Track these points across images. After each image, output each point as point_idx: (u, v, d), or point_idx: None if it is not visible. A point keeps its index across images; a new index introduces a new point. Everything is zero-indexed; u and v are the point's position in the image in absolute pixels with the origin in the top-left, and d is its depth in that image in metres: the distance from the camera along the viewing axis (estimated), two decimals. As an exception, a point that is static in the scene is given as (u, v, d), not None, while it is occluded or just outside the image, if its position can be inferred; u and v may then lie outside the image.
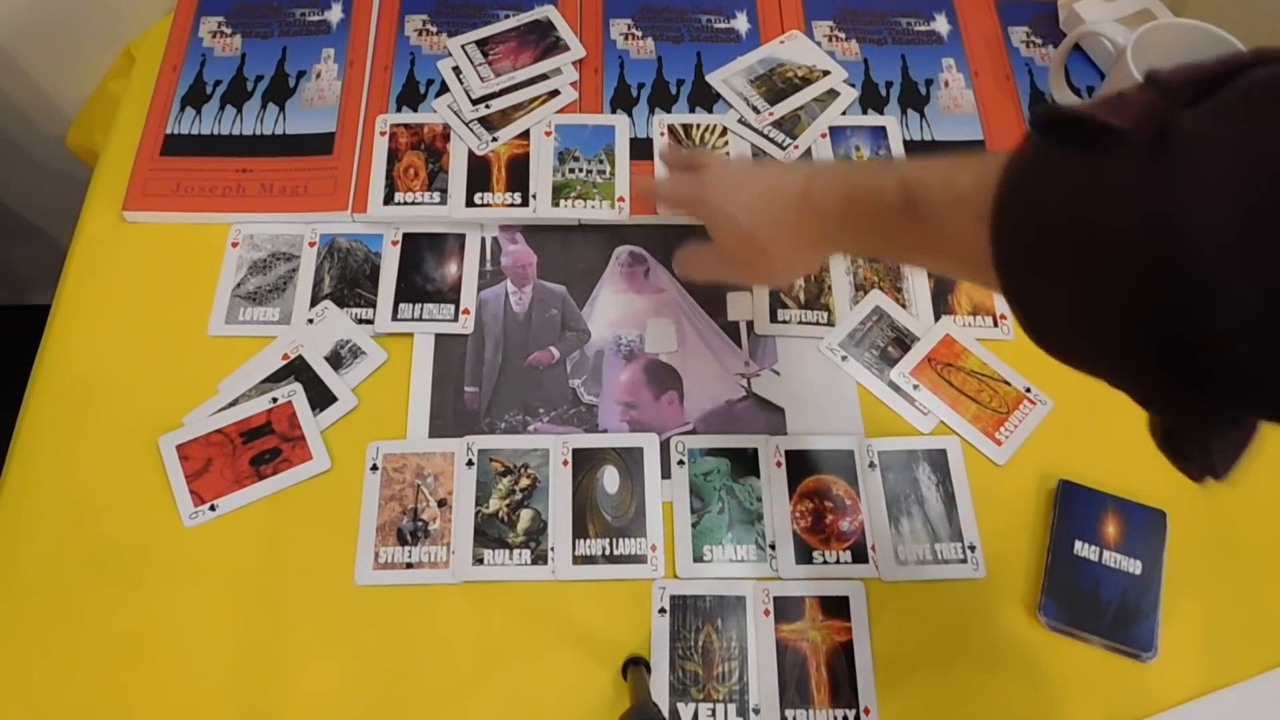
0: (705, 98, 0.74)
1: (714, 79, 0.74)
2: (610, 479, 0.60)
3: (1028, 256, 0.33)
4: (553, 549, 0.58)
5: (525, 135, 0.70)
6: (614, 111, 0.72)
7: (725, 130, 0.72)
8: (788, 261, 0.52)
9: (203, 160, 0.69)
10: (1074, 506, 0.59)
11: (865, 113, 0.74)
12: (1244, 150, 0.26)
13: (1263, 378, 0.27)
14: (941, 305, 0.67)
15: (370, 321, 0.64)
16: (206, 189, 0.68)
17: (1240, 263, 0.26)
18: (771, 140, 0.71)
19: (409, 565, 0.57)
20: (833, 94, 0.74)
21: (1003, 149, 0.35)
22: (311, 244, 0.67)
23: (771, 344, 0.65)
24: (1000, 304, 0.67)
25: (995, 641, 0.57)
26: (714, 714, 0.54)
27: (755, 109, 0.72)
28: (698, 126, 0.72)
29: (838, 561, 0.58)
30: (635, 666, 0.54)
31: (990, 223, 0.34)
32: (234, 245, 0.67)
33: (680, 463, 0.61)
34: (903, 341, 0.65)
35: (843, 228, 0.46)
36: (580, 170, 0.69)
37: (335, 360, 0.63)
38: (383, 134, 0.70)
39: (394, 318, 0.64)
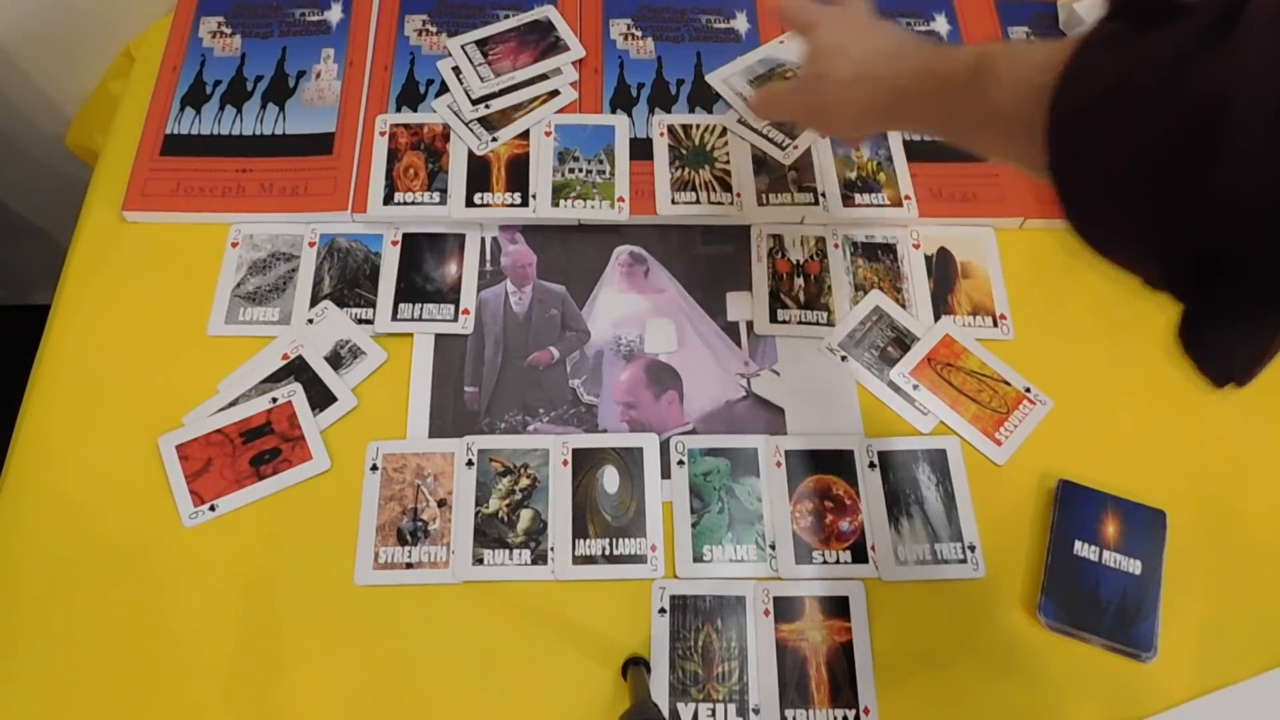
0: (705, 98, 0.74)
1: (713, 79, 0.74)
2: (610, 479, 0.60)
3: (1078, 128, 0.33)
4: (552, 549, 0.58)
5: (525, 135, 0.70)
6: (614, 111, 0.72)
7: (725, 130, 0.72)
8: (849, 116, 0.52)
9: (202, 160, 0.69)
10: (1074, 506, 0.59)
11: (865, 113, 0.74)
12: None
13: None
14: (941, 305, 0.67)
15: (370, 321, 0.64)
16: (206, 189, 0.68)
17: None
18: (771, 140, 0.71)
19: (409, 565, 0.57)
20: (832, 94, 0.74)
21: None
22: (311, 244, 0.67)
23: (771, 344, 0.65)
24: (1000, 304, 0.67)
25: (995, 641, 0.57)
26: (714, 714, 0.54)
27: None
28: (697, 127, 0.72)
29: (838, 561, 0.58)
30: (635, 666, 0.54)
31: (1050, 93, 0.34)
32: (234, 245, 0.67)
33: (680, 463, 0.61)
34: (902, 341, 0.65)
35: (910, 93, 0.47)
36: (580, 170, 0.69)
37: (335, 360, 0.63)
38: (382, 134, 0.70)
39: (394, 318, 0.64)
